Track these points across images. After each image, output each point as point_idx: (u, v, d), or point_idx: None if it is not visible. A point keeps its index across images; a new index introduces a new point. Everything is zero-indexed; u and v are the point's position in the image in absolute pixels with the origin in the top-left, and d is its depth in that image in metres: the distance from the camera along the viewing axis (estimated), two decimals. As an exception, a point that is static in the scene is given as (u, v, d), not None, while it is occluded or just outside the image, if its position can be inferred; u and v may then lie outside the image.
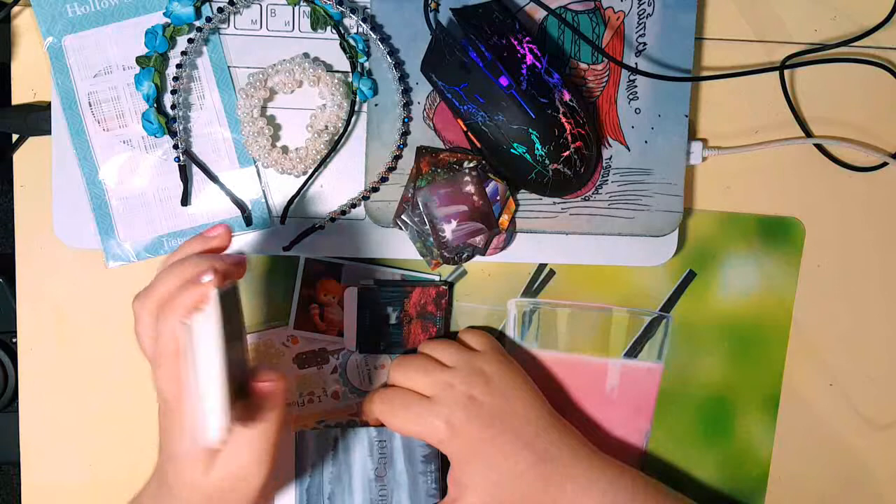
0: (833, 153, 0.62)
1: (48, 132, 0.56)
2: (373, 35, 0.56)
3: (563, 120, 0.53)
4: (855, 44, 0.60)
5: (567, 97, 0.54)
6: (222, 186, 0.57)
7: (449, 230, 0.56)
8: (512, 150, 0.54)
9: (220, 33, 0.56)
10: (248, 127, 0.56)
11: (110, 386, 0.60)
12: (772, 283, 0.62)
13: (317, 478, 0.58)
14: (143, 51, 0.56)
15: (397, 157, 0.57)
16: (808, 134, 0.62)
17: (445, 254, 0.56)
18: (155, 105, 0.55)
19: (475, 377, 0.55)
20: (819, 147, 0.62)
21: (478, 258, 0.58)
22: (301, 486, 0.58)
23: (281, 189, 0.57)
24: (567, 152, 0.54)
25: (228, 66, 0.57)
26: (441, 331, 0.60)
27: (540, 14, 0.57)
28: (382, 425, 0.57)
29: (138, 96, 0.56)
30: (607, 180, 0.58)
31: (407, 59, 0.56)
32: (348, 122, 0.56)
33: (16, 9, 0.57)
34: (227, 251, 0.50)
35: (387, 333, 0.59)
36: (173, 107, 0.56)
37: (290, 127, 0.57)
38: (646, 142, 0.58)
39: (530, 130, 0.53)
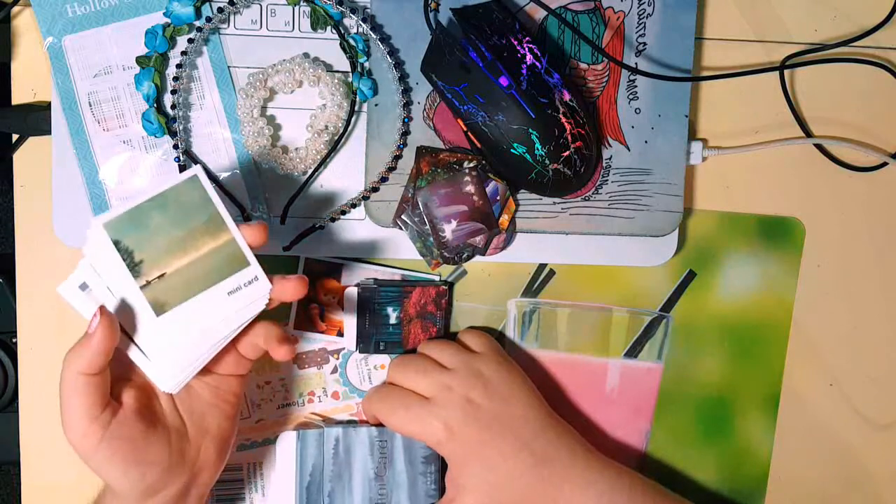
0: (833, 153, 0.62)
1: (48, 132, 0.56)
2: (373, 35, 0.56)
3: (563, 120, 0.53)
4: (855, 44, 0.60)
5: (567, 97, 0.54)
6: (222, 186, 0.57)
7: (449, 230, 0.56)
8: (512, 150, 0.54)
9: (220, 33, 0.56)
10: (248, 127, 0.56)
11: (110, 386, 0.60)
12: (772, 283, 0.62)
13: (317, 476, 0.58)
14: (143, 51, 0.56)
15: (397, 157, 0.57)
16: (808, 134, 0.62)
17: (445, 254, 0.56)
18: (155, 105, 0.55)
19: (474, 379, 0.55)
20: (819, 147, 0.62)
21: (478, 258, 0.58)
22: (301, 483, 0.58)
23: (281, 189, 0.57)
24: (567, 152, 0.54)
25: (228, 66, 0.57)
26: (441, 331, 0.60)
27: (540, 14, 0.57)
28: (381, 424, 0.57)
29: (138, 96, 0.56)
30: (607, 180, 0.58)
31: (407, 59, 0.56)
32: (348, 122, 0.56)
33: (16, 9, 0.57)
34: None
35: (387, 333, 0.59)
36: (173, 107, 0.56)
37: (290, 127, 0.57)
38: (646, 142, 0.58)
39: (530, 130, 0.53)
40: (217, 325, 0.48)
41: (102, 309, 0.45)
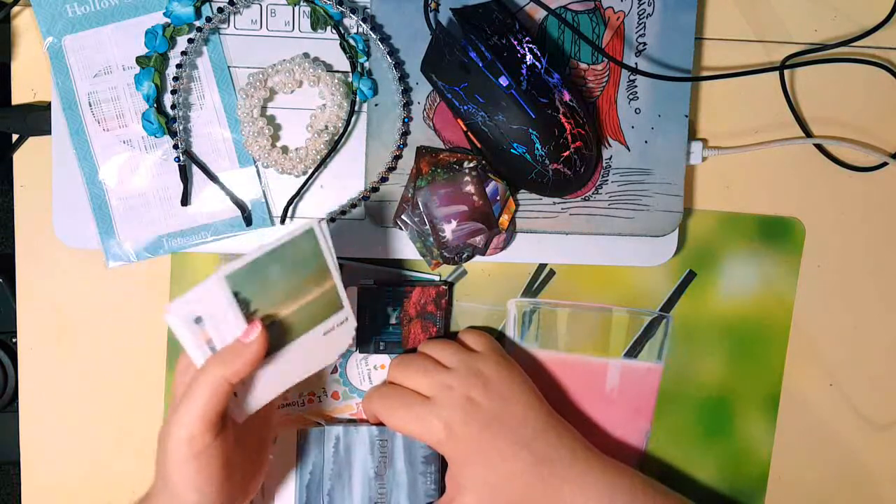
0: (833, 153, 0.62)
1: (48, 132, 0.56)
2: (373, 35, 0.56)
3: (563, 120, 0.53)
4: (855, 44, 0.60)
5: (567, 97, 0.54)
6: (222, 186, 0.57)
7: (449, 230, 0.56)
8: (512, 150, 0.54)
9: (220, 33, 0.56)
10: (248, 127, 0.56)
11: (110, 386, 0.60)
12: (772, 283, 0.62)
13: (317, 474, 0.58)
14: (143, 51, 0.56)
15: (397, 157, 0.57)
16: (808, 134, 0.62)
17: (445, 254, 0.56)
18: (155, 105, 0.55)
19: (474, 379, 0.55)
20: (819, 147, 0.62)
21: (478, 258, 0.58)
22: (301, 482, 0.58)
23: (281, 189, 0.57)
24: (567, 152, 0.54)
25: (228, 66, 0.57)
26: (441, 331, 0.60)
27: (540, 14, 0.57)
28: (381, 423, 0.57)
29: (138, 96, 0.56)
30: (607, 180, 0.58)
31: (407, 59, 0.56)
32: (348, 122, 0.56)
33: (16, 9, 0.57)
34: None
35: (387, 333, 0.59)
36: (173, 107, 0.56)
37: (290, 127, 0.57)
38: (646, 142, 0.58)
39: (530, 130, 0.53)
40: (309, 361, 0.50)
41: (259, 323, 0.46)
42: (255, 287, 0.46)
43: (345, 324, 0.50)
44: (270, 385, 0.49)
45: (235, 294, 0.45)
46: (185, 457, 0.45)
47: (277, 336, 0.47)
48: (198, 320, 0.45)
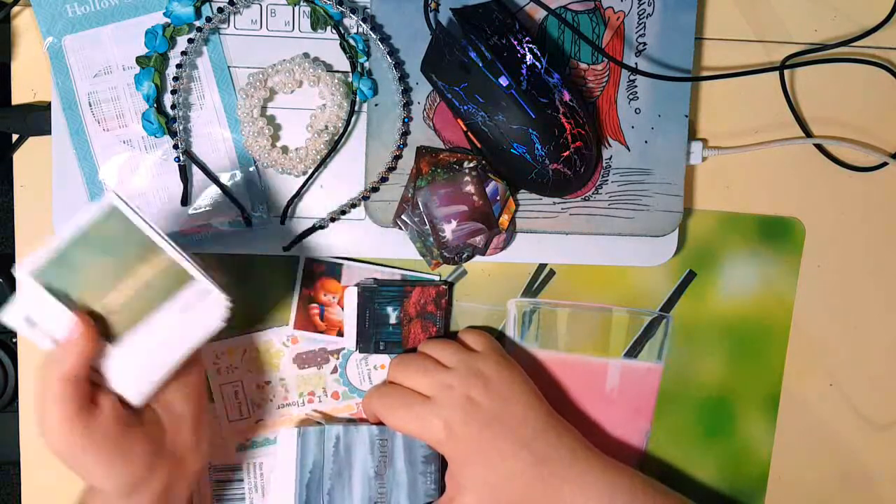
0: (833, 153, 0.62)
1: (48, 132, 0.56)
2: (373, 35, 0.56)
3: (563, 120, 0.53)
4: (855, 44, 0.60)
5: (567, 97, 0.54)
6: (222, 186, 0.57)
7: (449, 230, 0.56)
8: (512, 150, 0.54)
9: (220, 33, 0.56)
10: (248, 127, 0.56)
11: (110, 386, 0.60)
12: (772, 283, 0.62)
13: (317, 473, 0.58)
14: (143, 51, 0.56)
15: (397, 157, 0.57)
16: (808, 134, 0.62)
17: (445, 254, 0.56)
18: (155, 105, 0.55)
19: (474, 378, 0.55)
20: (819, 147, 0.62)
21: (478, 258, 0.58)
22: (301, 481, 0.58)
23: (281, 189, 0.57)
24: (567, 152, 0.54)
25: (228, 66, 0.57)
26: (441, 331, 0.60)
27: (540, 14, 0.57)
28: (381, 423, 0.57)
29: (138, 96, 0.56)
30: (607, 180, 0.58)
31: (407, 59, 0.56)
32: (348, 122, 0.56)
33: (16, 9, 0.57)
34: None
35: (387, 333, 0.59)
36: (173, 107, 0.56)
37: (290, 127, 0.57)
38: (646, 142, 0.58)
39: (530, 130, 0.53)
40: (175, 342, 0.48)
41: (82, 316, 0.46)
42: (69, 277, 0.46)
43: (208, 298, 0.48)
44: (146, 368, 0.48)
45: (50, 289, 0.45)
46: (73, 454, 0.46)
47: (118, 320, 0.47)
48: (28, 321, 0.46)
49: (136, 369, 0.48)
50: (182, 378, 0.51)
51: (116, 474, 0.47)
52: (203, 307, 0.48)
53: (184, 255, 0.47)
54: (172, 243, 0.47)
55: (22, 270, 0.45)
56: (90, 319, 0.46)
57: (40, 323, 0.46)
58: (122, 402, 0.48)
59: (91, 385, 0.47)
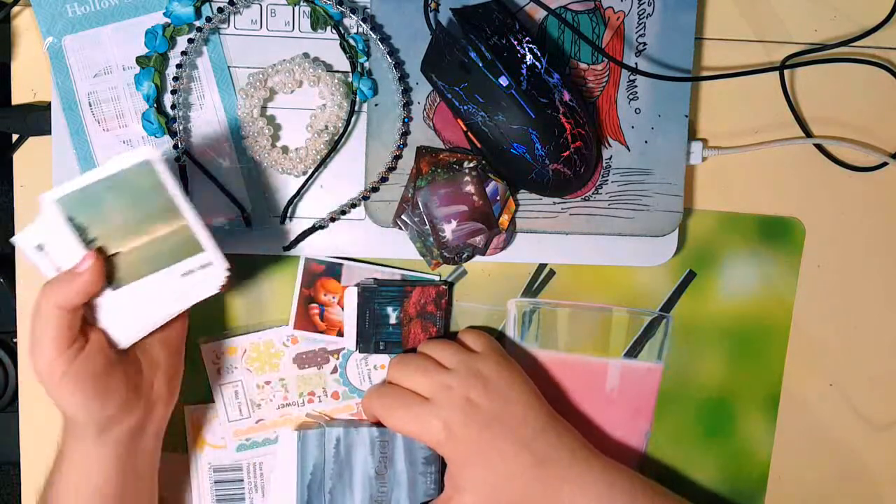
0: (833, 153, 0.62)
1: (48, 132, 0.56)
2: (373, 35, 0.56)
3: (563, 120, 0.53)
4: (855, 44, 0.60)
5: (567, 97, 0.54)
6: (222, 186, 0.57)
7: (449, 230, 0.56)
8: (512, 150, 0.54)
9: (220, 33, 0.56)
10: (248, 127, 0.56)
11: (110, 386, 0.60)
12: (772, 283, 0.62)
13: (318, 474, 0.58)
14: (143, 51, 0.56)
15: (397, 157, 0.57)
16: (808, 134, 0.62)
17: (445, 254, 0.56)
18: (155, 105, 0.55)
19: (474, 379, 0.55)
20: (819, 147, 0.62)
21: (478, 258, 0.58)
22: (302, 481, 0.58)
23: (281, 189, 0.57)
24: (567, 152, 0.54)
25: (228, 66, 0.57)
26: (441, 331, 0.60)
27: (540, 14, 0.57)
28: (381, 423, 0.57)
29: (138, 96, 0.56)
30: (607, 180, 0.58)
31: (407, 59, 0.56)
32: (348, 122, 0.56)
33: (16, 9, 0.57)
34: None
35: (387, 333, 0.59)
36: (173, 107, 0.56)
37: (290, 127, 0.57)
38: (646, 142, 0.58)
39: (530, 130, 0.53)
40: (170, 300, 0.50)
41: (94, 254, 0.47)
42: (90, 214, 0.47)
43: (209, 267, 0.50)
44: (137, 318, 0.50)
45: (70, 219, 0.47)
46: (54, 381, 0.47)
47: (124, 269, 0.48)
48: (40, 247, 0.47)
49: (128, 316, 0.49)
50: (165, 329, 0.53)
51: (93, 407, 0.49)
52: (201, 275, 0.50)
53: (201, 223, 0.49)
54: (194, 211, 0.49)
55: (48, 196, 0.47)
56: (101, 258, 0.48)
57: (51, 251, 0.47)
58: (108, 341, 0.50)
59: (82, 320, 0.49)
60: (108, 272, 0.48)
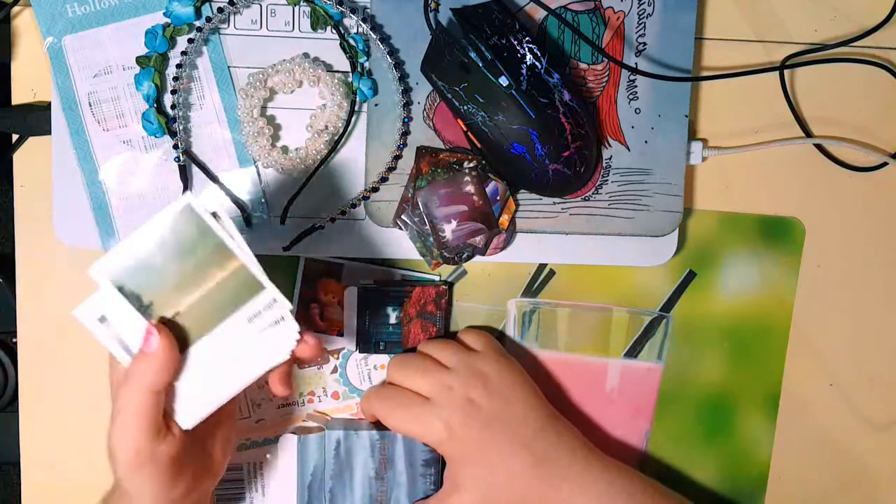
0: (833, 153, 0.62)
1: (48, 132, 0.56)
2: (373, 35, 0.56)
3: (563, 120, 0.53)
4: (855, 44, 0.60)
5: (567, 97, 0.54)
6: (222, 186, 0.57)
7: (449, 230, 0.56)
8: (512, 150, 0.54)
9: (220, 33, 0.56)
10: (248, 127, 0.56)
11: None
12: (772, 283, 0.62)
13: (318, 475, 0.58)
14: (143, 51, 0.56)
15: (397, 157, 0.57)
16: (808, 134, 0.62)
17: (445, 254, 0.56)
18: (155, 105, 0.55)
19: (474, 379, 0.55)
20: (819, 147, 0.62)
21: (478, 258, 0.58)
22: (303, 482, 0.58)
23: (281, 189, 0.57)
24: (567, 152, 0.54)
25: (228, 66, 0.57)
26: (441, 331, 0.60)
27: (540, 14, 0.57)
28: (380, 422, 0.57)
29: (138, 96, 0.56)
30: (607, 180, 0.58)
31: (407, 59, 0.56)
32: (348, 122, 0.56)
33: (16, 9, 0.57)
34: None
35: (387, 333, 0.59)
36: (173, 107, 0.56)
37: (290, 127, 0.57)
38: (646, 142, 0.58)
39: (530, 130, 0.53)
40: (242, 358, 0.46)
41: (158, 326, 0.44)
42: (141, 278, 0.44)
43: (274, 306, 0.46)
44: (209, 387, 0.47)
45: (120, 288, 0.44)
46: (136, 468, 0.45)
47: (190, 328, 0.45)
48: (102, 319, 0.45)
49: (197, 390, 0.46)
50: (222, 427, 0.51)
51: (169, 491, 0.47)
52: (268, 319, 0.46)
53: (255, 262, 0.45)
54: (247, 249, 0.45)
55: (97, 271, 0.44)
56: (167, 329, 0.45)
57: (113, 323, 0.45)
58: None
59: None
60: (176, 335, 0.45)
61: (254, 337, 0.46)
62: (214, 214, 0.45)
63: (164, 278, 0.45)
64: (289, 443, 0.58)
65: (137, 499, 0.47)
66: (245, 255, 0.45)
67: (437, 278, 0.60)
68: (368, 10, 0.56)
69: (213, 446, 0.51)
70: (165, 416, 0.46)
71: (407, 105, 0.56)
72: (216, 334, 0.46)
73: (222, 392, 0.47)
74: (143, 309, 0.45)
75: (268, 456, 0.60)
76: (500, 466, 0.54)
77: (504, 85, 0.52)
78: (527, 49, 0.54)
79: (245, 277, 0.45)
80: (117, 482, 0.48)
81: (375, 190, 0.57)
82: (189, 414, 0.47)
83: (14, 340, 0.65)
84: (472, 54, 0.53)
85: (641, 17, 0.58)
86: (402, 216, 0.56)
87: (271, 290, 0.46)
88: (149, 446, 0.45)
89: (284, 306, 0.46)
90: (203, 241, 0.45)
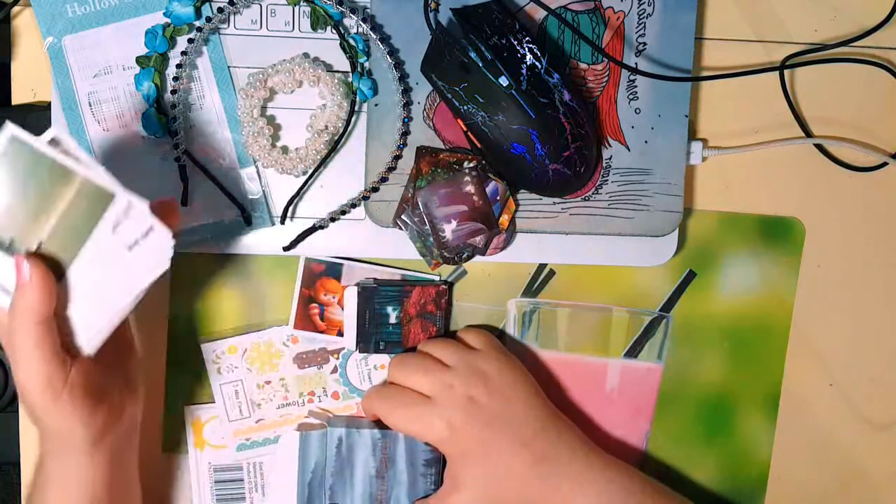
0: (833, 153, 0.62)
1: (48, 132, 0.56)
2: (373, 35, 0.56)
3: (563, 120, 0.53)
4: (855, 44, 0.60)
5: (567, 97, 0.54)
6: (222, 186, 0.57)
7: (449, 230, 0.56)
8: (512, 150, 0.54)
9: (220, 33, 0.56)
10: (248, 127, 0.56)
11: (110, 386, 0.60)
12: (772, 283, 0.62)
13: (318, 472, 0.58)
14: (143, 51, 0.56)
15: (397, 157, 0.57)
16: (808, 134, 0.62)
17: (445, 254, 0.56)
18: (155, 105, 0.55)
19: (475, 377, 0.55)
20: (819, 147, 0.62)
21: (478, 258, 0.58)
22: (303, 478, 0.58)
23: (281, 189, 0.57)
24: (567, 152, 0.54)
25: (228, 66, 0.57)
26: (441, 330, 0.60)
27: (540, 14, 0.57)
28: (379, 420, 0.57)
29: (138, 96, 0.56)
30: (607, 180, 0.58)
31: (407, 59, 0.56)
32: (348, 122, 0.56)
33: (16, 9, 0.57)
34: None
35: (387, 333, 0.59)
36: (173, 107, 0.56)
37: (290, 127, 0.57)
38: (646, 142, 0.58)
39: (530, 130, 0.53)
40: (122, 272, 0.46)
41: (26, 256, 0.44)
42: None
43: (131, 210, 0.45)
44: (99, 308, 0.46)
45: None
46: (55, 398, 0.45)
47: (60, 253, 0.45)
48: None
49: (87, 314, 0.46)
50: (124, 348, 0.51)
51: (93, 418, 0.47)
52: (129, 225, 0.46)
53: (101, 171, 0.45)
54: (87, 161, 0.45)
55: None
56: (36, 258, 0.45)
57: None
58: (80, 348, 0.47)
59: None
60: (48, 264, 0.45)
61: (127, 249, 0.46)
62: (54, 140, 0.45)
63: (16, 213, 0.45)
64: (290, 439, 0.58)
65: (65, 438, 0.47)
66: (86, 170, 0.45)
67: (437, 278, 0.60)
68: (368, 10, 0.56)
69: (125, 372, 0.51)
70: (66, 346, 0.46)
71: (407, 105, 0.56)
72: (87, 254, 0.45)
73: (114, 310, 0.47)
74: (7, 248, 0.45)
75: (268, 456, 0.60)
76: (500, 465, 0.54)
77: (504, 85, 0.52)
78: (527, 49, 0.54)
79: (92, 190, 0.45)
80: (41, 437, 0.48)
81: (375, 190, 0.57)
82: (88, 339, 0.47)
83: (14, 340, 0.64)
84: (472, 54, 0.53)
85: (641, 17, 0.58)
86: (402, 216, 0.56)
87: (123, 195, 0.45)
88: (58, 374, 0.45)
89: (142, 208, 0.45)
90: (38, 166, 0.44)
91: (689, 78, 0.58)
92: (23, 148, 0.44)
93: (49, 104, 0.56)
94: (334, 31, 0.56)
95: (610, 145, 0.58)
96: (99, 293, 0.46)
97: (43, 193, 0.45)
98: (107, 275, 0.46)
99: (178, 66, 0.55)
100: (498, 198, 0.56)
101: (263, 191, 0.57)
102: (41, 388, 0.45)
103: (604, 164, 0.58)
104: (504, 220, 0.57)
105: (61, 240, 0.45)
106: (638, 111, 0.58)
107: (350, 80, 0.56)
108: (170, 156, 0.56)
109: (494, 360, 0.56)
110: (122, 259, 0.46)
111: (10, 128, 0.44)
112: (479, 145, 0.55)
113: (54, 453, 0.49)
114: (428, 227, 0.56)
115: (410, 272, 0.60)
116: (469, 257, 0.57)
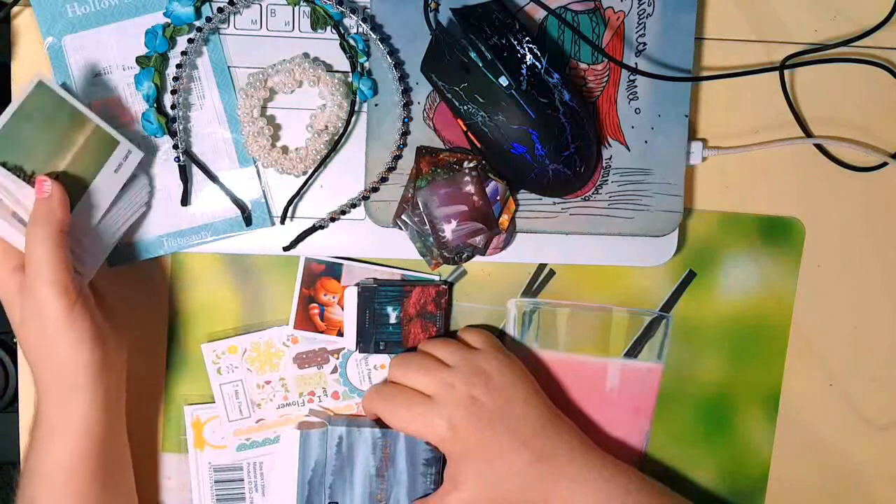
0: (833, 153, 0.62)
1: (48, 132, 0.57)
2: (373, 35, 0.56)
3: (563, 120, 0.53)
4: (855, 44, 0.60)
5: (567, 97, 0.54)
6: (222, 186, 0.57)
7: (449, 230, 0.56)
8: (512, 150, 0.54)
9: (220, 33, 0.56)
10: (248, 127, 0.56)
11: (110, 386, 0.60)
12: (772, 283, 0.62)
13: (318, 471, 0.58)
14: (143, 51, 0.56)
15: (397, 157, 0.57)
16: (808, 134, 0.62)
17: (445, 254, 0.56)
18: (155, 105, 0.55)
19: (475, 377, 0.55)
20: (819, 147, 0.62)
21: (478, 258, 0.58)
22: (303, 477, 0.58)
23: (281, 189, 0.57)
24: (567, 152, 0.54)
25: (228, 66, 0.57)
26: (441, 330, 0.60)
27: (540, 14, 0.57)
28: (380, 419, 0.57)
29: (138, 96, 0.56)
30: (607, 180, 0.58)
31: (407, 59, 0.56)
32: (348, 122, 0.56)
33: (16, 9, 0.57)
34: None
35: (387, 333, 0.59)
36: (173, 107, 0.56)
37: (290, 127, 0.57)
38: (646, 142, 0.58)
39: (530, 130, 0.53)
40: (120, 207, 0.53)
41: (43, 177, 0.49)
42: (17, 152, 0.49)
43: (130, 156, 0.53)
44: (96, 238, 0.52)
45: (3, 164, 0.49)
46: (68, 307, 0.47)
47: (71, 186, 0.50)
48: None
49: (88, 242, 0.52)
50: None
51: (96, 348, 0.49)
52: (128, 166, 0.53)
53: (107, 124, 0.52)
54: (90, 110, 0.52)
55: None
56: (56, 179, 0.49)
57: (5, 199, 0.50)
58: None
59: None
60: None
61: (121, 189, 0.53)
62: (64, 85, 0.53)
63: (38, 149, 0.50)
64: (291, 437, 0.58)
65: (70, 370, 0.48)
66: (95, 117, 0.52)
67: (437, 278, 0.60)
68: (368, 10, 0.56)
69: (110, 320, 0.52)
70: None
71: (407, 105, 0.56)
72: (92, 190, 0.52)
73: (105, 244, 0.53)
74: (28, 178, 0.50)
75: (268, 456, 0.60)
76: (500, 463, 0.54)
77: (504, 85, 0.52)
78: (527, 49, 0.54)
79: (102, 136, 0.52)
80: (43, 379, 0.50)
81: (375, 190, 0.57)
82: (87, 266, 0.52)
83: (14, 340, 0.64)
84: (472, 54, 0.53)
85: (641, 17, 0.58)
86: (402, 216, 0.56)
87: (125, 144, 0.53)
88: (72, 284, 0.48)
89: (138, 156, 0.53)
90: (59, 111, 0.51)
91: (689, 78, 0.58)
92: (48, 93, 0.50)
93: (49, 104, 0.56)
94: (334, 31, 0.56)
95: (610, 145, 0.58)
96: (97, 225, 0.52)
97: (61, 134, 0.51)
98: (104, 210, 0.52)
99: (178, 66, 0.55)
100: (498, 198, 0.56)
101: (263, 191, 0.57)
102: (59, 294, 0.47)
103: (604, 164, 0.58)
104: (504, 220, 0.57)
105: (74, 176, 0.51)
106: (638, 111, 0.58)
107: (350, 80, 0.57)
108: (170, 156, 0.56)
109: (495, 360, 0.56)
110: (117, 197, 0.53)
111: (39, 74, 0.50)
112: (479, 145, 0.55)
113: (57, 394, 0.50)
114: (428, 227, 0.56)
115: (410, 272, 0.60)
116: (469, 257, 0.57)
